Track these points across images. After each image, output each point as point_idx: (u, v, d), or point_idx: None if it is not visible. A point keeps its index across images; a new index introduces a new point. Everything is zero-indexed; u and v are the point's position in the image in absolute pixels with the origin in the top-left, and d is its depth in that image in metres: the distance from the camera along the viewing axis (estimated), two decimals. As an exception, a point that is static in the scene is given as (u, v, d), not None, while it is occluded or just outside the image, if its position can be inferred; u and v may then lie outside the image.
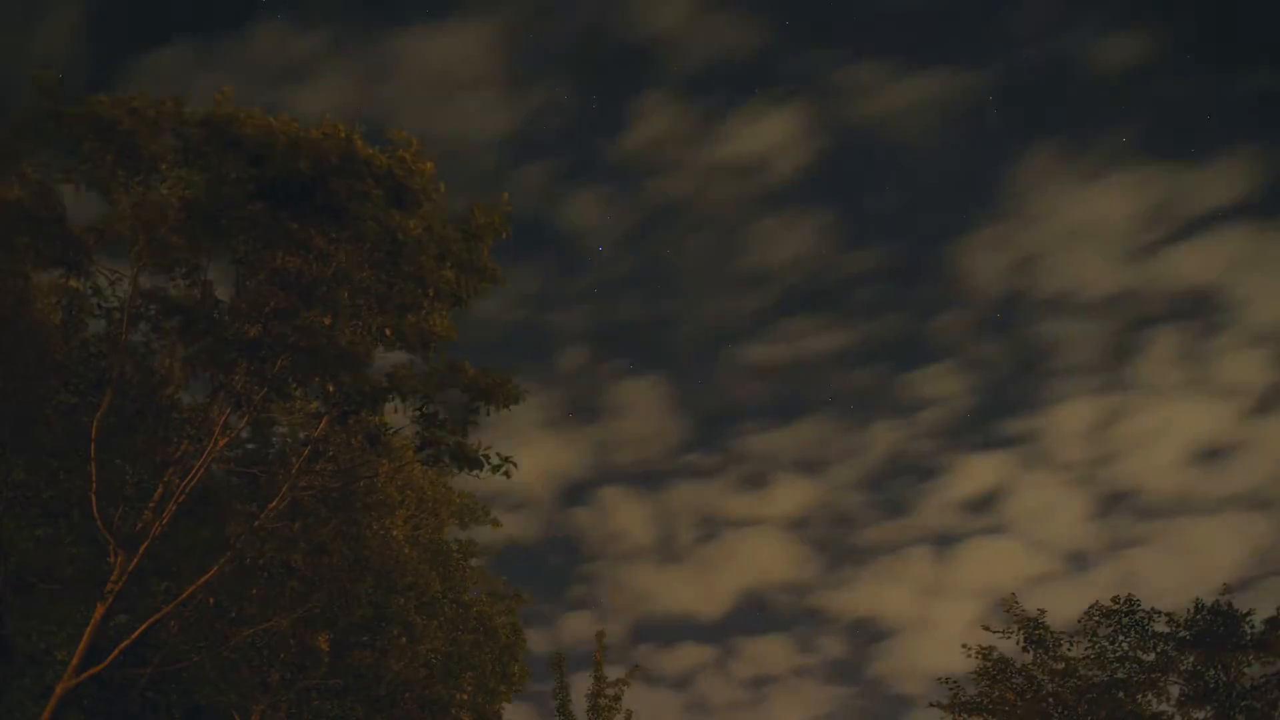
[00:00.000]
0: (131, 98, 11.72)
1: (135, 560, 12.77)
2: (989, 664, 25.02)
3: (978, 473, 70.93)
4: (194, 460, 13.30)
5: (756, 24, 65.59)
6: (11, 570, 13.42)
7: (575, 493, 74.71)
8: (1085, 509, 63.09)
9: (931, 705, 25.69)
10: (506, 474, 14.94)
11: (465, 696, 21.04)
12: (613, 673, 27.14)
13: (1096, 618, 24.22)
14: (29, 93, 11.78)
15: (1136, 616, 24.00)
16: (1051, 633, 24.54)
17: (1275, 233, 62.24)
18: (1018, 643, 24.64)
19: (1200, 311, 65.19)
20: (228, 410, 13.37)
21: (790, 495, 67.10)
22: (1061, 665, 24.36)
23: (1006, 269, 68.86)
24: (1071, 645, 24.46)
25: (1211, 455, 64.28)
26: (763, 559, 65.66)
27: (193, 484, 13.08)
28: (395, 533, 18.49)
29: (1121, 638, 24.02)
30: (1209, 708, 23.15)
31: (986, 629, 25.29)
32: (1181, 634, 23.49)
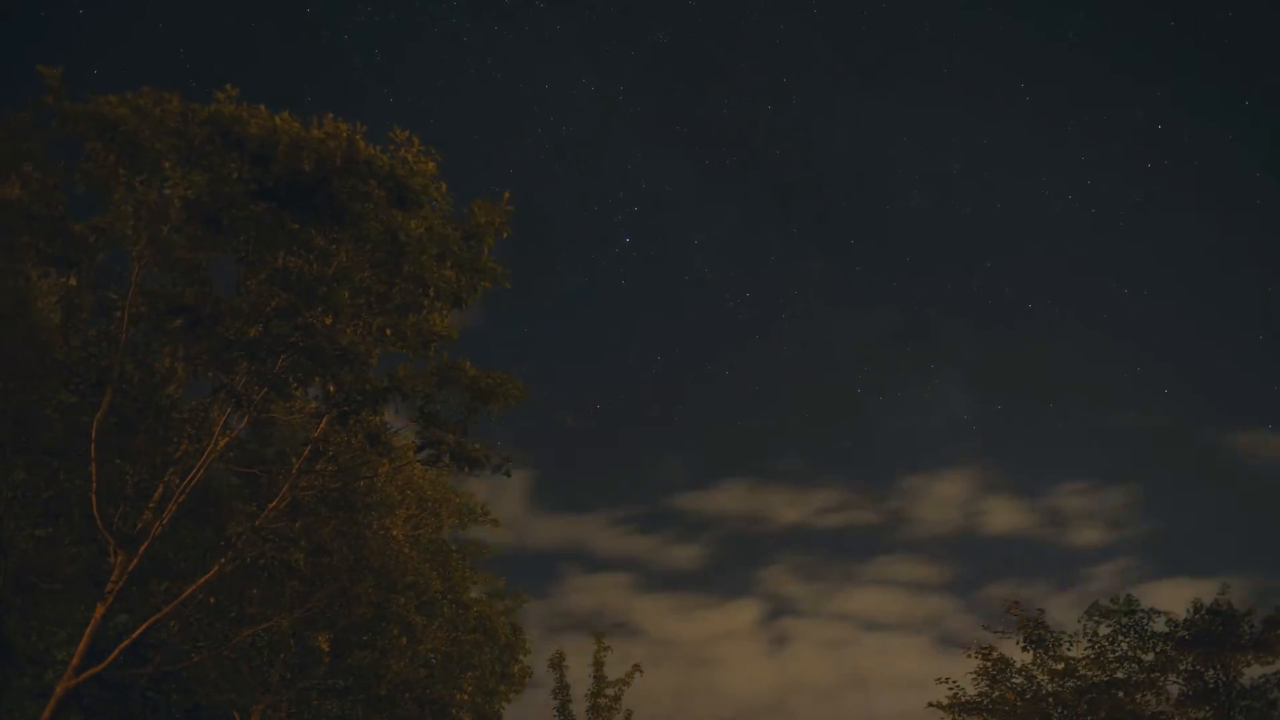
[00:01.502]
0: (135, 96, 11.69)
1: (135, 560, 12.75)
2: (989, 664, 25.02)
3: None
4: (194, 460, 13.28)
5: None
6: (11, 570, 13.39)
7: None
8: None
9: (931, 705, 25.68)
10: (506, 473, 14.97)
11: (465, 696, 21.01)
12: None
13: (1096, 618, 24.24)
14: (32, 89, 11.78)
15: (1136, 616, 24.03)
16: (1051, 633, 24.55)
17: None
18: (1018, 643, 24.67)
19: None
20: (228, 410, 13.36)
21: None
22: (1061, 665, 24.37)
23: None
24: (1071, 645, 24.50)
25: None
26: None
27: (193, 484, 13.06)
28: (395, 533, 18.46)
29: (1121, 638, 24.04)
30: (1208, 708, 23.17)
31: (986, 629, 25.33)
32: (1181, 634, 23.52)
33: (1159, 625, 23.87)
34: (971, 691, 25.15)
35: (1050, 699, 24.19)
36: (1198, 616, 23.56)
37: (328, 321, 12.51)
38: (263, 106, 11.78)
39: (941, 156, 67.94)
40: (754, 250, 71.58)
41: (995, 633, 25.13)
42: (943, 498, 66.40)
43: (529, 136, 65.96)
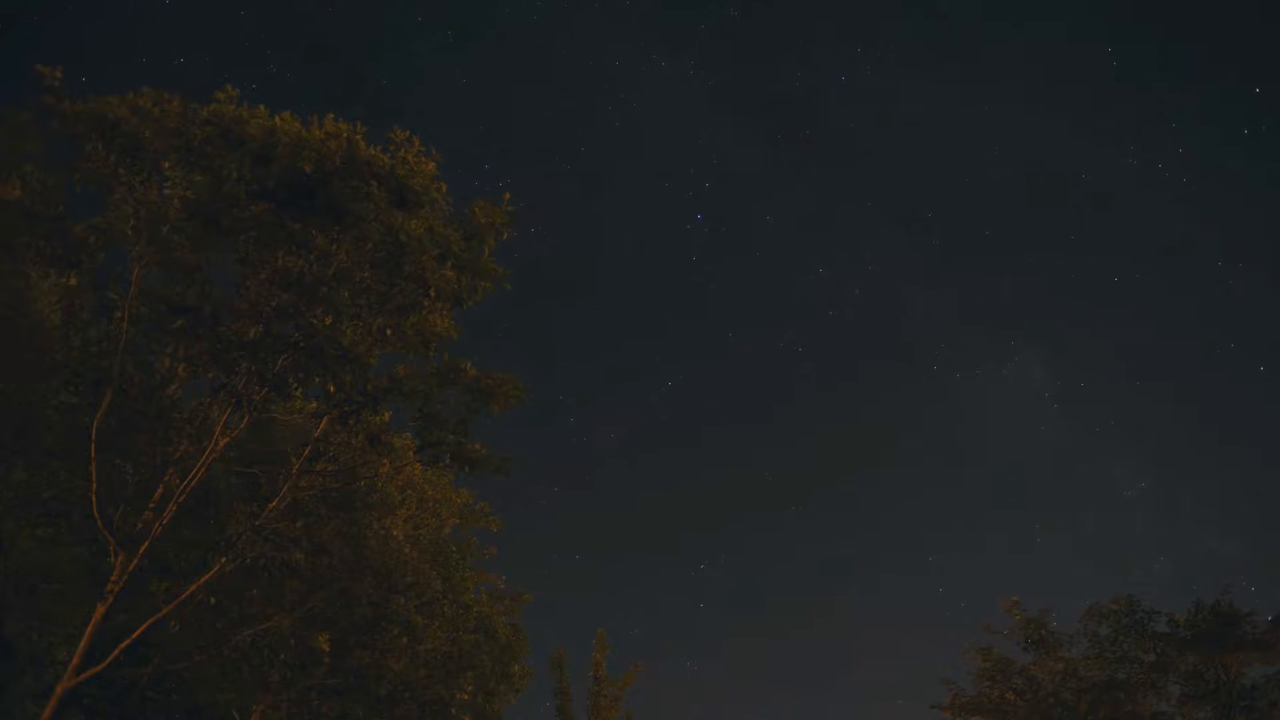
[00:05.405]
0: (136, 96, 11.68)
1: (135, 560, 12.74)
2: (989, 664, 24.97)
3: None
4: (194, 460, 13.26)
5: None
6: (11, 570, 13.38)
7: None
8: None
9: (932, 706, 25.64)
10: (506, 474, 14.97)
11: (465, 696, 20.98)
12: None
13: (1097, 618, 24.19)
14: (32, 89, 11.77)
15: (1137, 617, 23.97)
16: (1052, 633, 24.51)
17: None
18: (1018, 643, 24.62)
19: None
20: (228, 410, 13.34)
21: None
22: (1062, 665, 24.33)
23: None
24: (1072, 645, 24.45)
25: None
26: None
27: (193, 484, 13.05)
28: (395, 533, 18.43)
29: (1122, 638, 23.98)
30: (1209, 708, 23.12)
31: (987, 629, 25.28)
32: (1182, 634, 23.45)
33: (1160, 625, 23.83)
34: (972, 692, 25.09)
35: (1051, 699, 24.14)
36: (1199, 616, 23.48)
37: (328, 322, 12.50)
38: (262, 107, 11.79)
39: (1021, 124, 65.70)
40: (827, 225, 70.16)
41: (996, 632, 25.11)
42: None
43: (599, 113, 65.14)
